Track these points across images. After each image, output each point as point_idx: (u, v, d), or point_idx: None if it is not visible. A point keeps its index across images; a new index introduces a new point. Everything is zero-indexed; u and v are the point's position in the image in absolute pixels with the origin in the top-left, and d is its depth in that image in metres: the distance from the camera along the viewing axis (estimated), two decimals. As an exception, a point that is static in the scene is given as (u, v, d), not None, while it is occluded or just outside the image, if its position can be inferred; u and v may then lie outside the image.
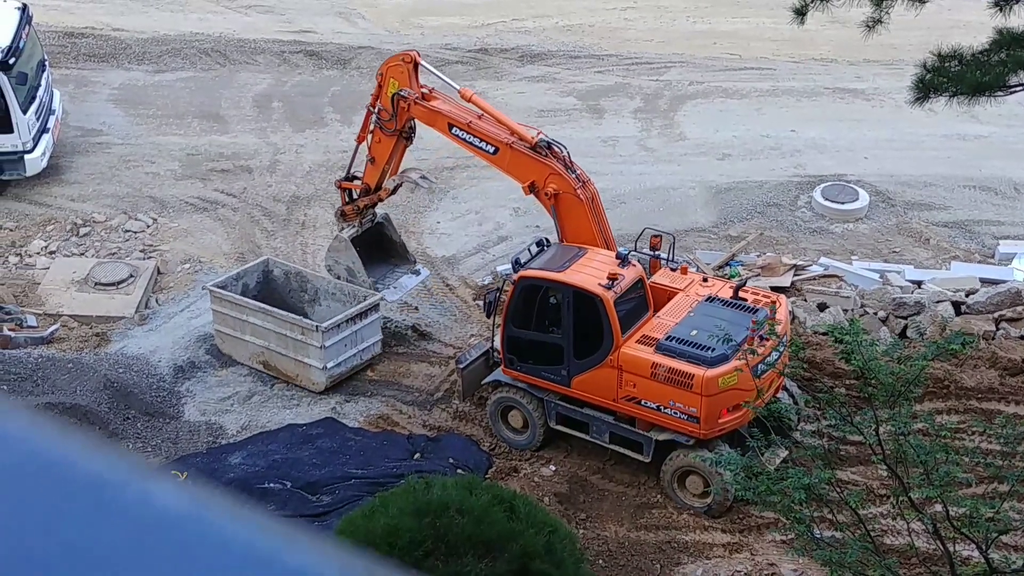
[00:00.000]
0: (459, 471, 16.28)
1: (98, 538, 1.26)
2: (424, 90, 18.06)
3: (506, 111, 25.58)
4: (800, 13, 16.17)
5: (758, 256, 21.15)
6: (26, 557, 1.24)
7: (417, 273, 19.83)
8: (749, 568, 15.67)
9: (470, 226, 22.17)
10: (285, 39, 28.02)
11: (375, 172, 18.69)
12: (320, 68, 27.09)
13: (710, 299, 16.61)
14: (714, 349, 15.27)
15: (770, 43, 27.93)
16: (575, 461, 17.35)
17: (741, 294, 16.64)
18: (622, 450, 16.91)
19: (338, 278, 19.23)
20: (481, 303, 20.41)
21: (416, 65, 18.02)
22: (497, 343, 17.66)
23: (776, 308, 16.35)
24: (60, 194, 23.10)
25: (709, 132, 25.05)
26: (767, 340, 15.30)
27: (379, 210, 19.52)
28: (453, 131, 17.85)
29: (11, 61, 21.74)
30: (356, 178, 19.12)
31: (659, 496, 16.74)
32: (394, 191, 19.09)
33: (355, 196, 19.09)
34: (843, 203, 22.60)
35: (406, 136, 18.42)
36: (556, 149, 17.47)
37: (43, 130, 22.94)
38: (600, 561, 15.71)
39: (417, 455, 17.11)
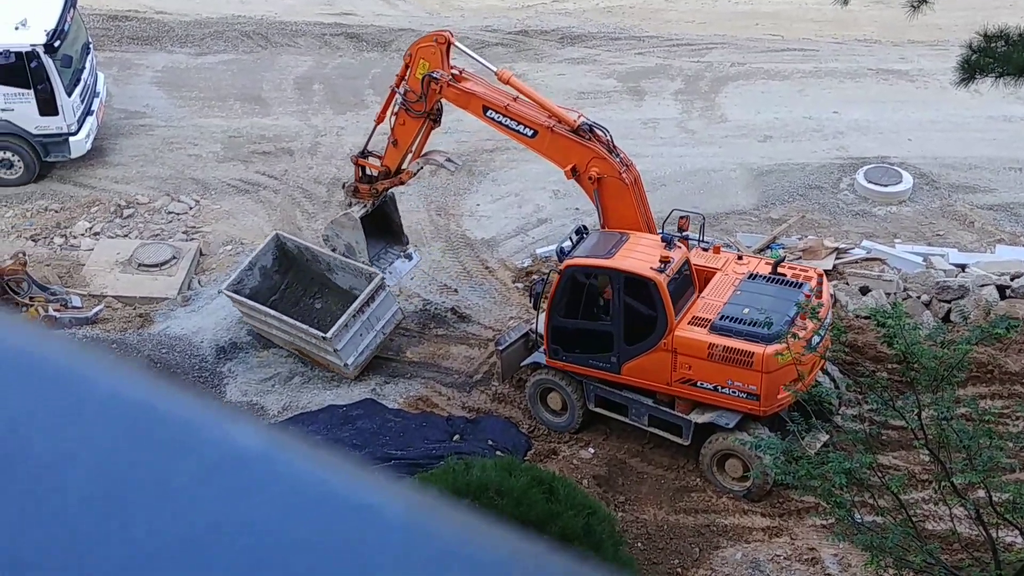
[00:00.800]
0: (498, 453, 16.32)
1: (180, 473, 1.31)
2: (455, 71, 17.60)
3: (546, 93, 25.51)
4: (843, -7, 16.02)
5: (799, 239, 21.02)
6: (112, 492, 1.29)
7: (409, 258, 19.37)
8: (789, 552, 15.63)
9: (510, 208, 22.16)
10: (326, 21, 28.07)
11: (396, 155, 18.21)
12: (361, 50, 27.13)
13: (752, 276, 16.53)
14: (771, 325, 15.23)
15: (813, 24, 27.68)
16: (614, 443, 17.35)
17: (780, 270, 16.60)
18: (661, 433, 16.89)
19: (333, 250, 18.92)
20: (520, 285, 20.41)
21: (449, 46, 17.53)
22: (536, 327, 17.66)
23: (821, 282, 16.41)
24: (104, 176, 23.30)
25: (751, 114, 24.89)
26: (818, 313, 15.32)
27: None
28: (488, 114, 17.43)
29: (56, 44, 21.91)
30: (372, 155, 18.60)
31: (698, 479, 16.72)
32: (415, 173, 18.70)
33: (371, 175, 18.62)
34: (886, 185, 22.41)
35: (433, 118, 17.95)
36: (599, 132, 17.13)
37: (87, 112, 23.12)
38: (639, 544, 15.73)
39: (456, 437, 17.17)
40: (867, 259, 20.45)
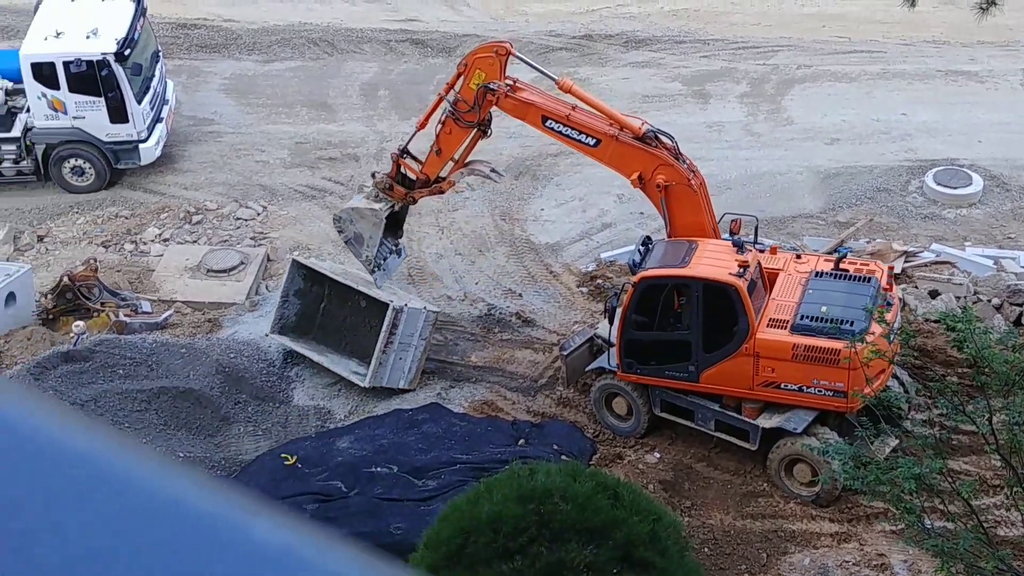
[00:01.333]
0: (563, 457, 16.31)
1: (202, 571, 1.36)
2: (510, 81, 17.28)
3: (610, 97, 25.50)
4: (912, -5, 15.83)
5: (868, 242, 20.81)
6: None
7: (399, 254, 18.97)
8: (858, 558, 15.47)
9: (574, 213, 22.15)
10: (391, 28, 28.25)
11: (439, 164, 17.76)
12: (425, 56, 27.27)
13: (819, 274, 16.41)
14: (853, 322, 15.09)
15: (880, 25, 27.38)
16: (680, 448, 17.26)
17: (843, 265, 16.48)
18: (728, 438, 16.79)
19: (340, 232, 18.63)
20: (585, 289, 20.37)
21: (508, 57, 17.19)
22: (601, 334, 17.61)
23: (889, 274, 16.41)
24: (173, 182, 23.62)
25: (817, 116, 24.67)
26: (891, 307, 15.19)
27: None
28: (547, 124, 17.13)
29: (127, 52, 22.25)
30: (410, 154, 18.12)
31: (765, 484, 16.59)
32: (455, 183, 18.20)
33: (408, 177, 18.13)
34: (956, 188, 22.11)
35: (483, 129, 17.54)
36: (664, 139, 16.91)
37: (157, 119, 23.46)
38: (705, 549, 15.64)
39: (521, 441, 17.18)
40: (936, 262, 20.19)
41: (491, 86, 17.07)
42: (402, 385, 17.97)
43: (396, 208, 18.34)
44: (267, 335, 18.94)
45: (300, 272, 19.03)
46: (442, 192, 18.31)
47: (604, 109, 17.30)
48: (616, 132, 16.89)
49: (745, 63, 26.60)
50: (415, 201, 18.41)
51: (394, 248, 18.84)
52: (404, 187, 18.10)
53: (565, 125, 17.04)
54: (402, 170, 18.19)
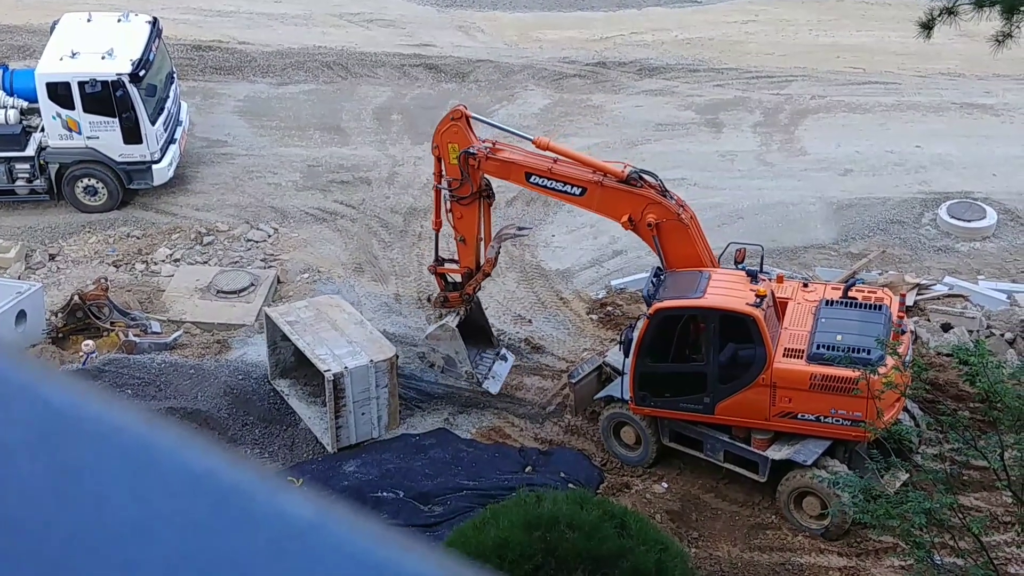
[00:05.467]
0: (570, 485, 16.22)
1: (235, 545, 1.41)
2: (488, 143, 17.22)
3: (623, 125, 25.54)
4: (927, 27, 15.83)
5: (880, 274, 20.72)
6: (169, 563, 1.38)
7: (505, 359, 18.80)
8: (866, 593, 15.32)
9: (584, 239, 22.11)
10: (405, 52, 28.32)
11: (469, 251, 17.71)
12: (439, 81, 27.32)
13: (829, 303, 16.33)
14: (870, 351, 15.01)
15: (895, 57, 27.37)
16: (688, 479, 17.15)
17: (852, 293, 16.42)
18: (737, 469, 16.68)
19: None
20: (595, 317, 20.30)
21: (468, 119, 17.19)
22: (610, 362, 17.54)
23: (900, 302, 16.42)
24: (185, 203, 23.64)
25: (831, 147, 24.63)
26: (903, 335, 15.10)
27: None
28: (532, 180, 17.09)
29: (141, 73, 22.32)
30: (447, 260, 18.16)
31: (773, 516, 16.47)
32: (496, 259, 18.00)
33: (455, 280, 18.14)
34: (970, 221, 22.02)
35: (485, 195, 17.47)
36: (648, 178, 16.89)
37: (170, 141, 23.51)
38: (712, 581, 15.51)
39: (529, 468, 17.10)
40: (949, 295, 20.09)
41: (470, 150, 17.00)
42: (375, 436, 17.60)
43: (463, 315, 18.18)
44: (270, 382, 18.60)
45: (275, 325, 18.42)
46: (488, 275, 18.14)
47: (584, 159, 17.27)
48: (600, 178, 16.81)
49: (759, 92, 26.60)
50: (472, 298, 18.19)
51: (496, 356, 18.71)
52: (457, 291, 18.11)
53: (549, 178, 16.97)
54: (448, 278, 18.22)
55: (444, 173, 17.35)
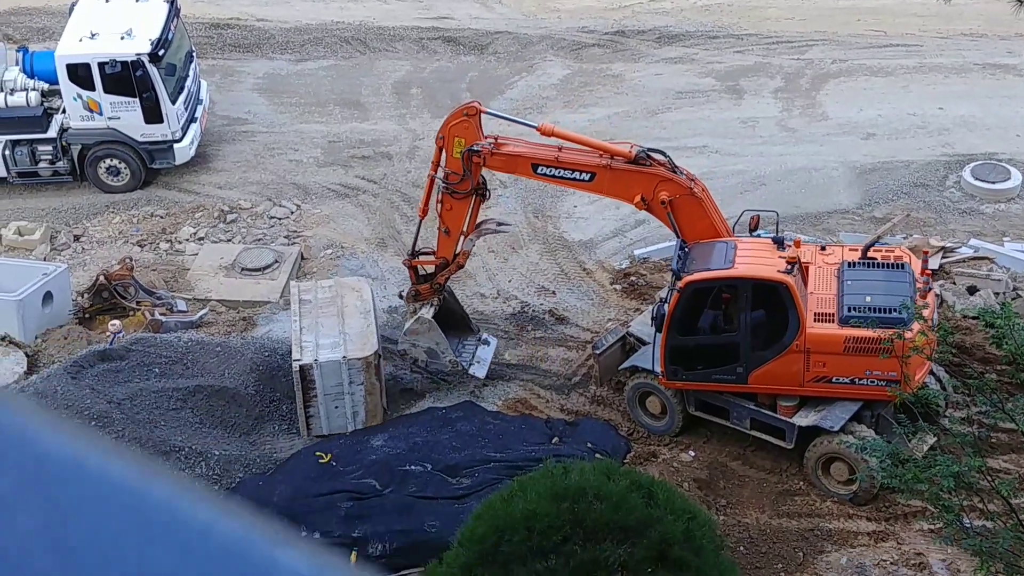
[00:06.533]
0: (597, 456, 16.25)
1: None
2: (491, 138, 17.07)
3: (643, 94, 25.44)
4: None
5: (904, 238, 20.62)
6: None
7: (487, 343, 18.63)
8: (895, 557, 15.33)
9: (607, 210, 22.06)
10: (423, 26, 28.25)
11: (450, 243, 17.53)
12: (458, 54, 27.25)
13: (851, 265, 16.28)
14: (900, 310, 14.97)
15: (916, 18, 27.13)
16: (715, 447, 17.17)
17: (871, 254, 16.36)
18: (764, 436, 16.68)
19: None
20: (619, 287, 20.30)
21: (480, 116, 17.02)
22: (634, 332, 17.53)
23: (924, 258, 16.41)
24: (208, 182, 23.71)
25: (853, 111, 24.48)
26: (928, 293, 15.15)
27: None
28: (539, 171, 16.95)
29: (160, 53, 22.35)
30: (423, 253, 17.99)
31: (801, 483, 16.48)
32: (471, 252, 17.91)
33: (428, 271, 17.94)
34: (994, 182, 21.88)
35: (480, 193, 17.35)
36: (656, 156, 16.77)
37: (191, 119, 23.56)
38: (741, 548, 15.55)
39: (555, 439, 17.14)
40: (975, 258, 19.98)
41: (474, 147, 16.83)
42: (349, 429, 17.47)
43: (437, 306, 18.01)
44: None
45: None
46: (461, 267, 17.99)
47: (590, 143, 17.12)
48: (608, 161, 16.67)
49: (779, 58, 26.43)
50: (443, 288, 18.01)
51: (479, 341, 18.57)
52: (427, 283, 17.89)
53: (556, 167, 16.82)
54: (420, 271, 17.99)
55: (443, 164, 17.13)
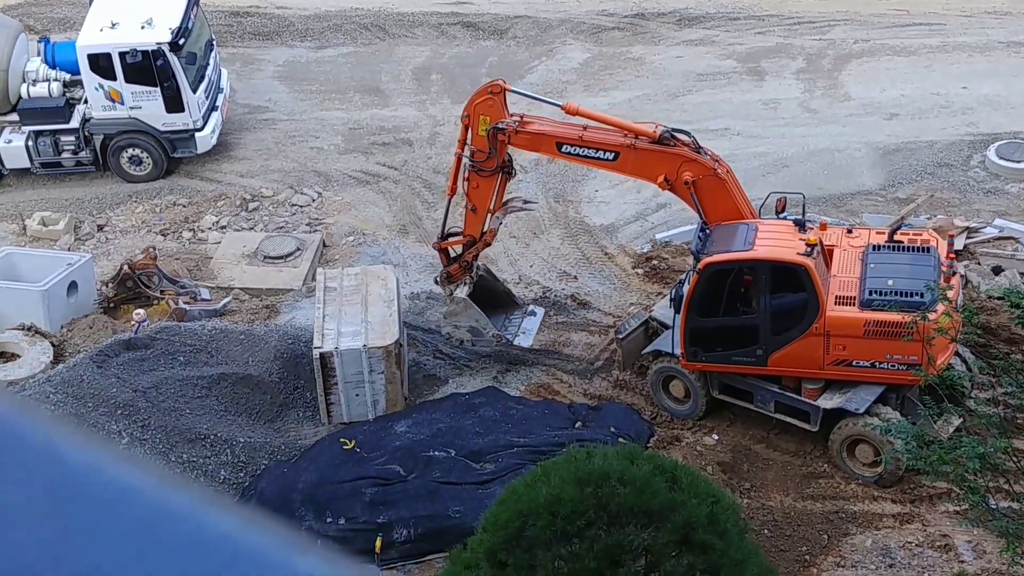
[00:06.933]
0: (620, 440, 16.24)
1: None
2: (516, 117, 17.16)
3: (664, 76, 25.34)
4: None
5: (928, 218, 20.50)
6: None
7: (534, 314, 18.87)
8: (921, 539, 15.28)
9: (628, 194, 22.01)
10: (442, 11, 28.21)
11: (477, 221, 17.68)
12: (477, 39, 27.21)
13: (876, 248, 16.19)
14: (923, 294, 14.89)
15: (939, -3, 26.94)
16: (738, 430, 17.13)
17: (898, 237, 16.27)
18: (788, 419, 16.63)
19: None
20: (641, 271, 20.26)
21: (505, 94, 17.11)
22: (657, 316, 17.50)
23: (948, 242, 16.24)
24: (229, 170, 23.77)
25: (875, 91, 24.33)
26: (953, 277, 15.02)
27: (479, 260, 18.49)
28: (563, 149, 17.00)
29: (181, 42, 22.40)
30: (452, 235, 18.17)
31: (826, 465, 16.44)
32: (498, 230, 18.03)
33: (458, 252, 18.09)
34: (1019, 161, 21.72)
35: (506, 171, 17.44)
36: (681, 136, 16.76)
37: (212, 108, 23.61)
38: (765, 531, 15.52)
39: (578, 424, 17.13)
40: (1000, 238, 19.86)
41: (499, 126, 16.92)
42: (370, 417, 17.52)
43: (471, 284, 18.17)
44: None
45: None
46: (488, 244, 18.13)
47: (614, 122, 17.14)
48: (632, 141, 16.68)
49: (801, 39, 26.29)
50: (472, 265, 18.14)
51: (525, 313, 18.77)
52: (457, 263, 18.09)
53: (580, 146, 16.87)
54: (451, 252, 18.16)
55: (470, 142, 17.25)
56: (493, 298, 18.64)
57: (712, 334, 16.50)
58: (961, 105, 23.71)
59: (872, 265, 15.97)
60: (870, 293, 15.61)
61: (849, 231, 16.94)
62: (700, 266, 16.08)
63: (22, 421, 1.50)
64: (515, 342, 18.37)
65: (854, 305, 15.70)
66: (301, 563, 1.44)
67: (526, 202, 18.77)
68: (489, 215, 17.67)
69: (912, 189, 21.60)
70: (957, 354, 16.45)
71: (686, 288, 16.45)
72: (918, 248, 16.06)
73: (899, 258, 16.01)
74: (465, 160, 17.35)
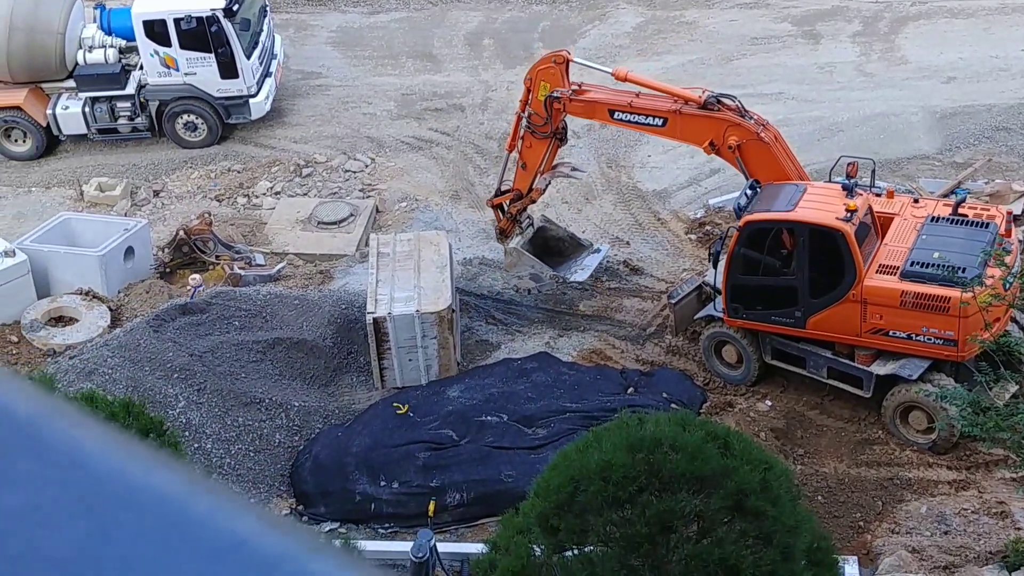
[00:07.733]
0: (673, 406, 16.24)
1: None
2: (575, 86, 17.76)
3: (718, 40, 25.12)
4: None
5: (986, 183, 20.23)
6: None
7: (597, 252, 19.33)
8: (976, 506, 15.18)
9: (681, 159, 21.90)
10: (495, -25, 28.10)
11: (527, 177, 18.38)
12: (529, 3, 27.09)
13: (935, 219, 16.02)
14: (966, 269, 14.74)
15: (1000, -43, 26.45)
16: (792, 396, 17.07)
17: (961, 210, 16.06)
18: (841, 385, 16.55)
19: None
20: (694, 236, 20.20)
21: (568, 64, 17.73)
22: (710, 281, 17.47)
23: (1008, 219, 16.02)
24: (283, 136, 23.90)
25: (933, 54, 23.98)
26: (1007, 256, 14.85)
27: (536, 213, 19.19)
28: (615, 116, 17.63)
29: (235, 8, 22.50)
30: (502, 192, 18.82)
31: (880, 432, 16.35)
32: (544, 190, 18.73)
33: (507, 207, 18.77)
34: (1080, 125, 21.34)
35: (559, 137, 18.09)
36: (726, 101, 17.06)
37: (266, 74, 23.72)
38: (819, 498, 15.48)
39: (630, 389, 17.15)
40: (1059, 203, 19.55)
41: (555, 94, 17.60)
42: (423, 383, 17.62)
43: (524, 234, 18.83)
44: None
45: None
46: (533, 201, 18.83)
47: (663, 88, 17.69)
48: (679, 107, 17.14)
49: (857, 1, 25.94)
50: (517, 217, 18.76)
51: (591, 250, 19.27)
52: (506, 217, 18.80)
53: (631, 113, 17.44)
54: (505, 208, 18.81)
55: (530, 104, 17.89)
56: (560, 246, 19.25)
57: (753, 292, 16.54)
58: (1020, 68, 23.33)
59: (925, 237, 15.81)
60: (912, 264, 15.47)
61: (916, 200, 16.80)
62: (741, 223, 16.16)
63: (48, 419, 1.50)
64: (571, 279, 18.90)
65: (895, 275, 15.56)
66: (320, 567, 1.44)
67: (574, 169, 19.36)
68: (539, 175, 18.29)
69: (970, 153, 21.32)
70: (1014, 320, 16.27)
71: (724, 245, 16.51)
72: (977, 223, 15.83)
73: (955, 231, 15.80)
74: (524, 120, 18.05)
